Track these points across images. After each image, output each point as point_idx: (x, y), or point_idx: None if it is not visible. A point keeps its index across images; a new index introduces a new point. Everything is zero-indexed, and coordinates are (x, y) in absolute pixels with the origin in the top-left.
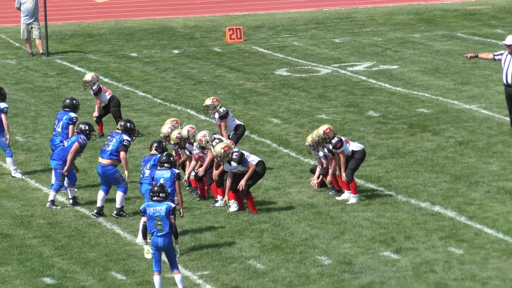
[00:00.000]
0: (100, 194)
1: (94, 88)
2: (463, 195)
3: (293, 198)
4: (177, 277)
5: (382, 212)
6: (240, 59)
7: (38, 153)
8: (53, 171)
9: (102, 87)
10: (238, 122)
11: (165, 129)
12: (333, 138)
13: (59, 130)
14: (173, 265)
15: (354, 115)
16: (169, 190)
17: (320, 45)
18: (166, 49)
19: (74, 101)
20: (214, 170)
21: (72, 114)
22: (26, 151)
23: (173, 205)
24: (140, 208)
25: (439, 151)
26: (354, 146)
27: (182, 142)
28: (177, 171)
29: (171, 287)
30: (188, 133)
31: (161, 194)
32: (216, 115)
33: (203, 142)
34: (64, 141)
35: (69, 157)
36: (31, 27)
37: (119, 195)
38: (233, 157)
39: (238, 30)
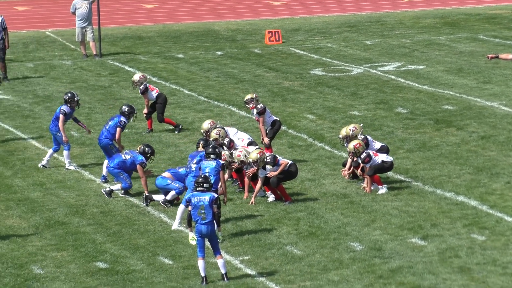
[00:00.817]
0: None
1: (141, 87)
2: (485, 186)
3: (327, 189)
4: (220, 262)
5: (410, 201)
6: (278, 59)
7: (91, 147)
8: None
9: (149, 86)
10: (274, 118)
11: (206, 125)
12: (362, 153)
13: (105, 130)
14: (216, 251)
15: (384, 111)
16: (214, 179)
17: (352, 47)
18: (210, 51)
19: (127, 108)
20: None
21: (122, 119)
22: (80, 145)
23: (216, 195)
24: (185, 197)
25: (462, 145)
26: (383, 157)
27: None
28: (221, 162)
29: (214, 271)
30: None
31: (204, 185)
32: (254, 111)
33: (241, 157)
34: (126, 155)
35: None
36: (85, 30)
37: (172, 193)
38: (267, 160)
39: (276, 33)
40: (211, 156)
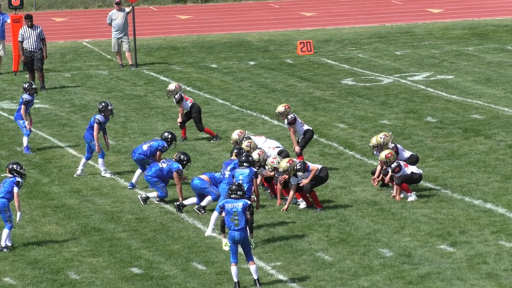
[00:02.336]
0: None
1: (176, 97)
2: None
3: (357, 196)
4: (252, 268)
5: (439, 208)
6: (310, 69)
7: (127, 155)
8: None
9: (184, 95)
10: (306, 127)
11: (234, 136)
12: (392, 162)
13: (145, 147)
14: (249, 257)
15: (414, 120)
16: (247, 186)
17: (382, 57)
18: (243, 61)
19: (170, 136)
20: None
21: (165, 145)
22: (116, 153)
23: (249, 202)
24: (219, 204)
25: (491, 153)
26: (413, 168)
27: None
28: (255, 169)
29: (247, 276)
30: (259, 156)
31: (238, 192)
32: (285, 121)
33: (275, 163)
34: (163, 163)
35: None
36: (121, 41)
37: (207, 198)
38: (297, 167)
39: (308, 43)
40: (245, 164)
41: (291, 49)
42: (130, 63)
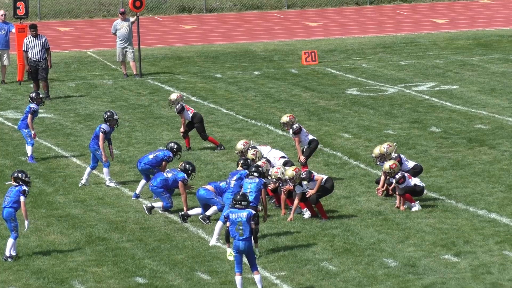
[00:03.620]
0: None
1: (177, 107)
2: None
3: (362, 206)
4: (257, 278)
5: (443, 218)
6: (314, 79)
7: (131, 164)
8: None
9: (185, 105)
10: (311, 137)
11: (239, 146)
12: (396, 173)
13: (151, 157)
14: (253, 267)
15: (418, 130)
16: (254, 195)
17: (387, 67)
18: (247, 71)
19: (176, 146)
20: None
21: (171, 155)
22: (120, 162)
23: (253, 212)
24: (223, 214)
25: (495, 163)
26: (417, 181)
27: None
28: (264, 180)
29: (251, 286)
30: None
31: (243, 202)
32: (290, 131)
33: (279, 174)
34: (168, 173)
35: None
36: (126, 51)
37: (213, 208)
38: (303, 176)
39: (313, 53)
40: (254, 174)
41: (295, 59)
42: (135, 72)
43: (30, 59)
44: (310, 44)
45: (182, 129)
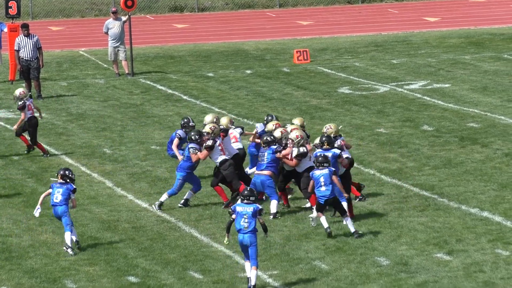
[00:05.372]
0: None
1: (20, 103)
2: (509, 202)
3: (354, 204)
4: (253, 273)
5: (435, 217)
6: (306, 78)
7: (124, 163)
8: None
9: (29, 105)
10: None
11: (208, 118)
12: (301, 144)
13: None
14: (253, 261)
15: (410, 129)
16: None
17: (379, 66)
18: (239, 70)
19: (182, 121)
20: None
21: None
22: (113, 162)
23: (259, 207)
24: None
25: (487, 162)
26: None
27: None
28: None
29: (244, 285)
30: (281, 134)
31: (251, 198)
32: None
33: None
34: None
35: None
36: (118, 50)
37: (274, 203)
38: (303, 141)
39: (304, 52)
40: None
41: (287, 57)
42: (127, 72)
43: (22, 58)
44: (302, 43)
45: (15, 126)
